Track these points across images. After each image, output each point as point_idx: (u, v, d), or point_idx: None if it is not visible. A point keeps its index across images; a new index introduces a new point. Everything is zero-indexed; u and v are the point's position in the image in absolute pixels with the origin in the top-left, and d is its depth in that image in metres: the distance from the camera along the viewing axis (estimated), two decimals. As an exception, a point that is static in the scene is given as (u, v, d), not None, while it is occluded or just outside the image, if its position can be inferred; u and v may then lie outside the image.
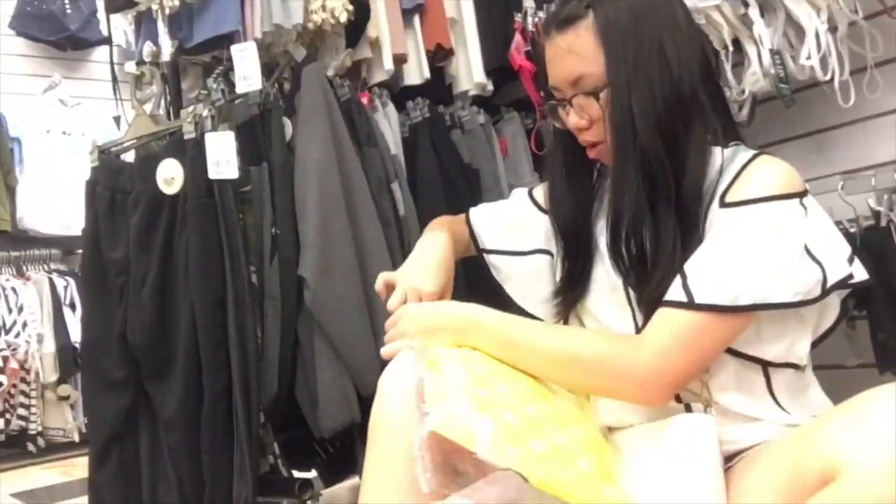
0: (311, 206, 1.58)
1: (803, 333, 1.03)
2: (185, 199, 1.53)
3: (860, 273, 1.01)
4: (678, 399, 1.06)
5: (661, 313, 0.98)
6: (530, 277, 1.25)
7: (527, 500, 0.90)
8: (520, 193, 1.32)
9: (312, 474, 1.80)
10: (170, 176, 1.53)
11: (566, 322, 1.16)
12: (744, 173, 1.02)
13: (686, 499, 0.93)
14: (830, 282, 0.97)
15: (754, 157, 1.04)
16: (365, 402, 1.57)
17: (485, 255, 1.29)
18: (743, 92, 1.72)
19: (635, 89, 1.02)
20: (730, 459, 1.00)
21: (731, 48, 1.66)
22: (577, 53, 1.06)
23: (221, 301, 1.49)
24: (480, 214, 1.33)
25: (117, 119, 2.03)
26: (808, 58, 1.54)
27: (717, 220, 1.00)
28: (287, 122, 1.66)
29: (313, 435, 1.67)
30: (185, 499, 1.53)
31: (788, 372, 1.04)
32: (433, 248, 1.20)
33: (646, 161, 1.02)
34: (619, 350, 0.98)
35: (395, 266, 1.71)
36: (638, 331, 1.06)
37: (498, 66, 2.02)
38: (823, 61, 1.56)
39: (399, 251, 1.73)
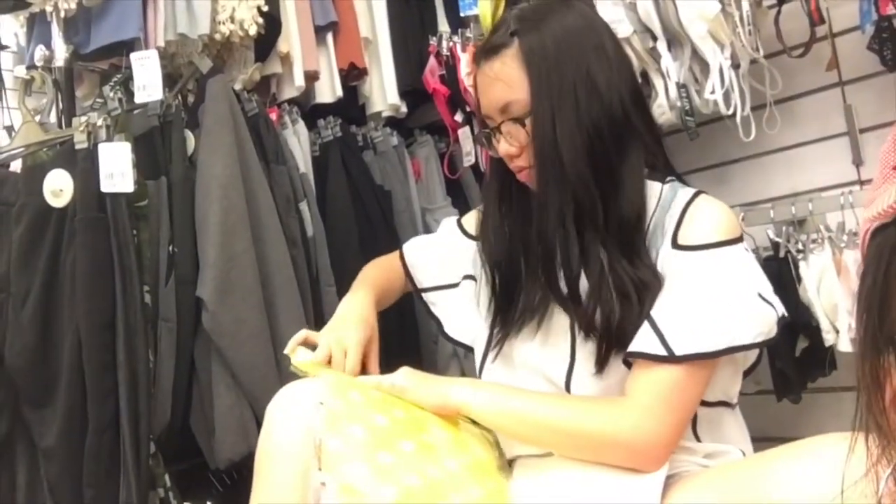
0: (212, 223, 1.51)
1: (735, 372, 1.06)
2: (75, 212, 1.43)
3: (780, 307, 1.04)
4: None
5: (642, 371, 0.98)
6: (462, 308, 1.24)
7: None
8: (448, 224, 1.33)
9: (206, 507, 1.71)
10: (58, 188, 1.43)
11: (500, 350, 1.14)
12: (690, 214, 1.03)
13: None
14: (780, 315, 1.00)
15: (695, 195, 1.05)
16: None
17: (422, 294, 1.31)
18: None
19: (560, 114, 1.03)
20: None
21: (639, 80, 1.69)
22: (503, 81, 1.07)
23: (110, 323, 1.40)
24: (414, 251, 1.33)
25: (9, 129, 1.91)
26: (713, 92, 1.58)
27: (674, 264, 1.01)
28: (189, 135, 1.58)
29: (208, 465, 1.59)
30: (65, 536, 1.41)
31: (716, 410, 1.06)
32: (354, 305, 1.21)
33: (571, 187, 1.03)
34: (608, 422, 0.97)
35: (300, 289, 1.66)
36: (572, 364, 1.06)
37: (412, 89, 1.99)
38: (726, 96, 1.60)
39: (305, 272, 1.67)
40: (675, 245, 1.01)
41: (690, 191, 1.06)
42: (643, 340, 0.98)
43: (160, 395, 1.48)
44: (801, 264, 1.48)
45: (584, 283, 1.05)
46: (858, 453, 0.41)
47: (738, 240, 1.02)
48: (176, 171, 1.54)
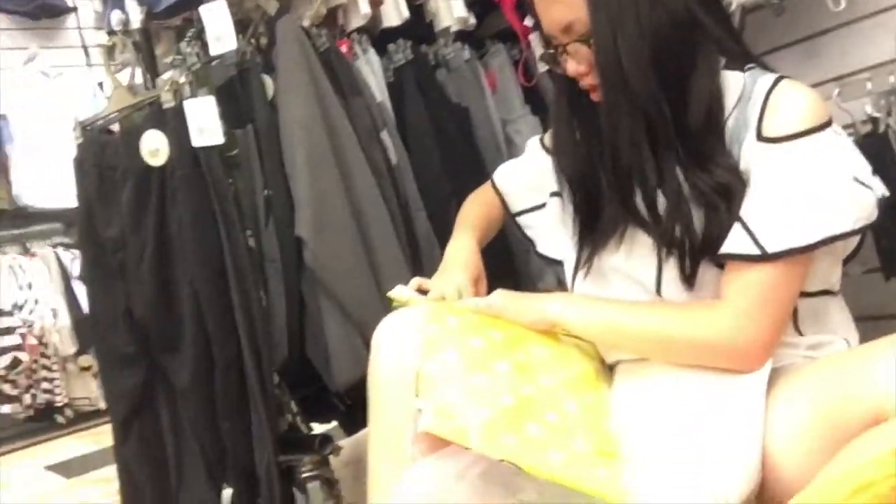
0: (299, 164, 1.56)
1: (835, 261, 1.04)
2: (173, 170, 1.51)
3: (880, 187, 1.00)
4: None
5: (735, 273, 0.98)
6: (551, 225, 1.26)
7: (522, 481, 0.92)
8: (532, 144, 1.34)
9: (333, 425, 1.84)
10: (154, 148, 1.51)
11: (591, 266, 1.15)
12: (773, 102, 0.99)
13: (731, 399, 0.96)
14: (879, 196, 0.98)
15: (776, 81, 1.01)
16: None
17: (516, 218, 1.34)
18: (731, 3, 1.66)
19: (621, 29, 0.99)
20: None
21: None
22: (561, 2, 1.03)
23: (221, 269, 1.49)
24: (504, 178, 1.36)
25: (101, 84, 1.99)
26: (796, -39, 1.49)
27: (761, 158, 0.98)
28: (268, 80, 1.62)
29: (329, 389, 1.70)
30: (210, 467, 1.56)
31: (819, 299, 1.05)
32: (459, 249, 1.26)
33: (640, 106, 1.00)
34: (706, 328, 0.99)
35: (391, 217, 1.71)
36: (660, 271, 1.07)
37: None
38: (812, -36, 1.50)
39: (395, 200, 1.71)
40: (760, 137, 0.98)
41: (771, 77, 1.02)
42: (734, 241, 0.97)
43: (276, 330, 1.57)
44: (904, 138, 1.41)
45: (662, 200, 1.04)
46: None
47: (827, 124, 0.98)
48: (260, 118, 1.59)
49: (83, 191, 1.63)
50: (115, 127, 1.71)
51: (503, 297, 1.10)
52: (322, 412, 1.89)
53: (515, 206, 1.33)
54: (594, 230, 1.14)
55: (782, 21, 1.66)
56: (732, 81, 1.03)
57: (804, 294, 1.02)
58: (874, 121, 1.48)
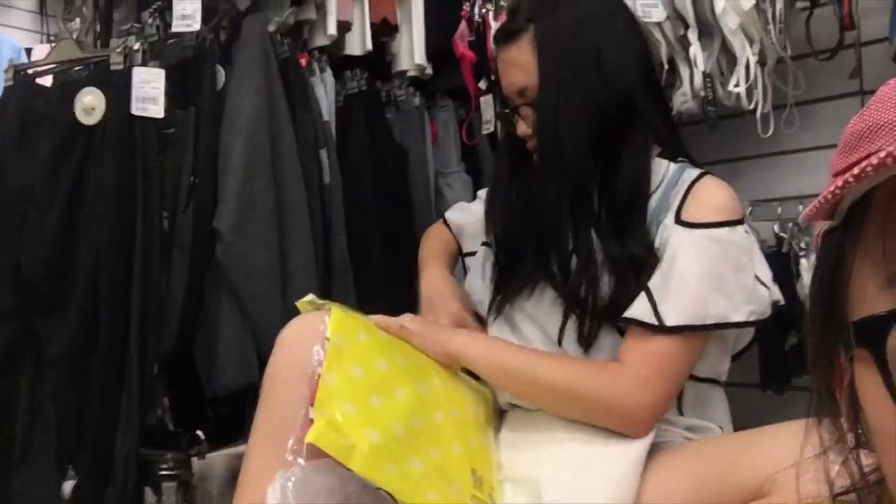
0: (235, 157, 1.54)
1: (724, 352, 1.09)
2: (104, 132, 1.46)
3: (777, 293, 1.07)
4: None
5: (635, 340, 1.02)
6: (477, 271, 1.28)
7: None
8: (481, 194, 1.37)
9: (199, 433, 1.75)
10: (90, 106, 1.46)
11: (502, 311, 1.17)
12: (696, 191, 1.06)
13: (601, 481, 0.96)
14: (774, 299, 1.04)
15: (701, 175, 1.09)
16: (264, 367, 1.54)
17: (464, 258, 1.37)
18: (671, 108, 1.78)
19: (565, 101, 1.06)
20: None
21: (665, 67, 1.72)
22: (518, 67, 1.11)
23: (128, 242, 1.43)
24: (455, 218, 1.39)
25: (28, 51, 1.92)
26: (737, 85, 1.62)
27: (674, 239, 1.03)
28: (221, 71, 1.61)
29: (204, 395, 1.63)
30: (61, 446, 1.45)
31: (703, 387, 1.10)
32: (435, 282, 1.26)
33: (570, 174, 1.06)
34: (602, 387, 1.01)
35: (313, 234, 1.69)
36: (563, 327, 1.10)
37: (439, 51, 2.01)
38: (749, 92, 1.64)
39: (320, 219, 1.70)
40: (678, 221, 1.04)
41: (698, 171, 1.10)
42: (637, 308, 1.02)
43: (168, 318, 1.51)
44: (802, 261, 1.52)
45: (574, 263, 1.09)
46: (813, 439, 0.44)
47: (740, 221, 1.05)
48: (205, 104, 1.57)
49: (0, 134, 1.55)
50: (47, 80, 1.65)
51: (414, 323, 1.11)
52: (189, 418, 1.80)
53: (465, 247, 1.36)
54: (510, 282, 1.17)
55: (713, 139, 1.79)
56: (661, 167, 1.10)
57: (693, 378, 1.07)
58: (780, 241, 1.60)
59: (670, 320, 0.98)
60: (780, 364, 1.62)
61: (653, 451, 1.05)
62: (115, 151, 1.44)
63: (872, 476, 0.40)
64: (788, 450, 0.85)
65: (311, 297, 1.15)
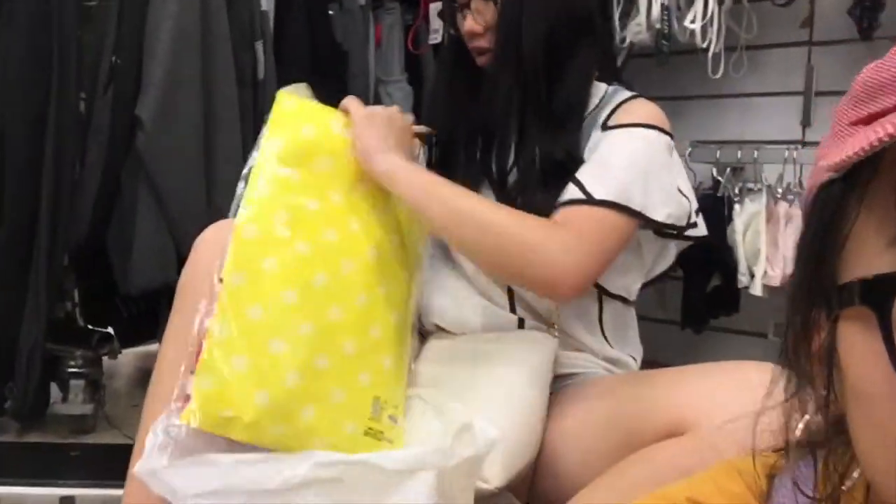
0: (163, 41, 1.42)
1: (639, 271, 1.09)
2: (17, -3, 1.32)
3: (702, 228, 1.06)
4: (512, 310, 1.08)
5: (562, 215, 0.97)
6: None
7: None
8: None
9: (109, 331, 1.68)
10: (2, -36, 1.31)
11: None
12: (625, 106, 1.04)
13: (512, 408, 0.95)
14: (692, 219, 1.02)
15: (635, 96, 1.07)
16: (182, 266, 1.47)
17: None
18: (623, 40, 1.74)
19: (528, 2, 1.01)
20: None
21: (626, -6, 1.67)
22: None
23: (40, 119, 1.31)
24: None
25: None
26: (693, 21, 1.59)
27: (599, 141, 1.01)
28: (152, -57, 1.47)
29: (117, 290, 1.55)
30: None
31: (618, 304, 1.09)
32: None
33: (524, 71, 1.02)
34: (538, 232, 0.94)
35: (242, 130, 1.60)
36: None
37: (390, -50, 1.90)
38: (703, 30, 1.61)
39: (251, 115, 1.61)
40: (604, 128, 1.02)
41: (631, 93, 1.07)
42: (566, 193, 0.98)
43: (81, 206, 1.42)
44: (736, 207, 1.54)
45: (513, 173, 1.06)
46: (779, 388, 0.43)
47: (668, 133, 1.03)
48: (132, -22, 1.44)
49: None
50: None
51: (362, 128, 0.99)
52: (101, 313, 1.72)
53: None
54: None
55: (661, 74, 1.76)
56: (599, 90, 1.08)
57: (607, 294, 1.06)
58: (716, 184, 1.61)
59: (598, 194, 0.96)
60: (701, 304, 1.65)
61: (574, 381, 1.05)
62: (28, 17, 1.31)
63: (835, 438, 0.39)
64: (707, 391, 0.86)
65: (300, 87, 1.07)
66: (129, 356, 1.83)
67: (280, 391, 0.86)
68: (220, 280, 0.89)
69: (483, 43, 1.07)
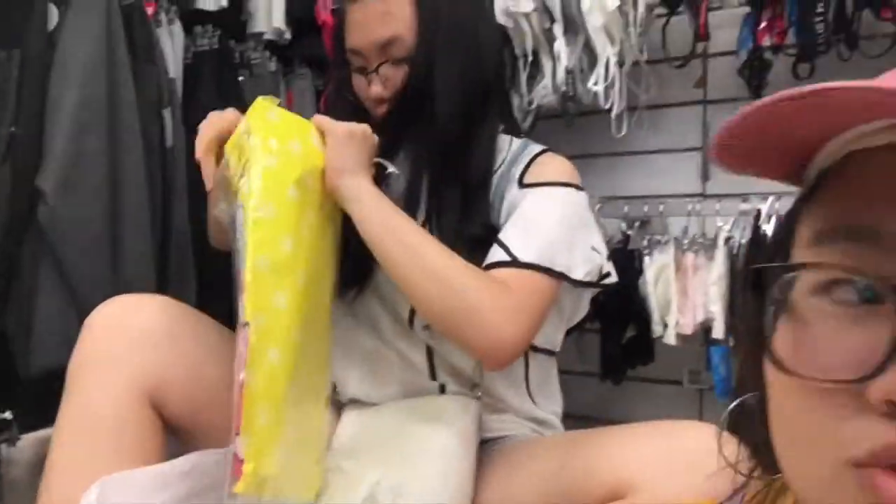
0: (66, 110, 1.38)
1: (560, 322, 1.10)
2: None
3: (614, 275, 1.09)
4: (433, 377, 1.07)
5: (494, 277, 0.97)
6: None
7: None
8: None
9: (7, 416, 1.57)
10: None
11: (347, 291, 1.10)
12: (539, 161, 1.06)
13: (436, 477, 0.93)
14: (605, 270, 1.04)
15: (543, 150, 1.09)
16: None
17: None
18: (531, 103, 1.80)
19: (441, 64, 1.02)
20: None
21: (530, 58, 1.73)
22: (390, 17, 1.02)
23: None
24: None
25: None
26: (596, 83, 1.65)
27: (519, 199, 1.02)
28: (53, 10, 1.43)
29: (17, 372, 1.46)
30: None
31: (543, 358, 1.10)
32: None
33: (439, 139, 1.02)
34: (479, 287, 0.93)
35: (150, 200, 1.55)
36: (413, 312, 1.04)
37: (300, 17, 1.91)
38: (606, 91, 1.68)
39: (159, 184, 1.57)
40: (521, 185, 1.04)
41: (539, 146, 1.10)
42: (491, 255, 0.98)
43: (-25, 285, 1.34)
44: (646, 259, 1.59)
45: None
46: (726, 453, 0.43)
47: (580, 189, 1.05)
48: (32, 47, 1.39)
49: None
50: None
51: (339, 143, 0.96)
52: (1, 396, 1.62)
53: None
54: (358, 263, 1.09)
55: (568, 133, 1.82)
56: (505, 143, 1.09)
57: (533, 348, 1.06)
58: (626, 238, 1.66)
59: (523, 257, 0.96)
60: (618, 354, 1.68)
61: (499, 445, 1.04)
62: (-82, 90, 1.24)
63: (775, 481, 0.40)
64: (647, 453, 0.85)
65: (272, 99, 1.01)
66: (27, 440, 1.72)
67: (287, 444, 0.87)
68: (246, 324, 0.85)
69: (385, 108, 1.05)
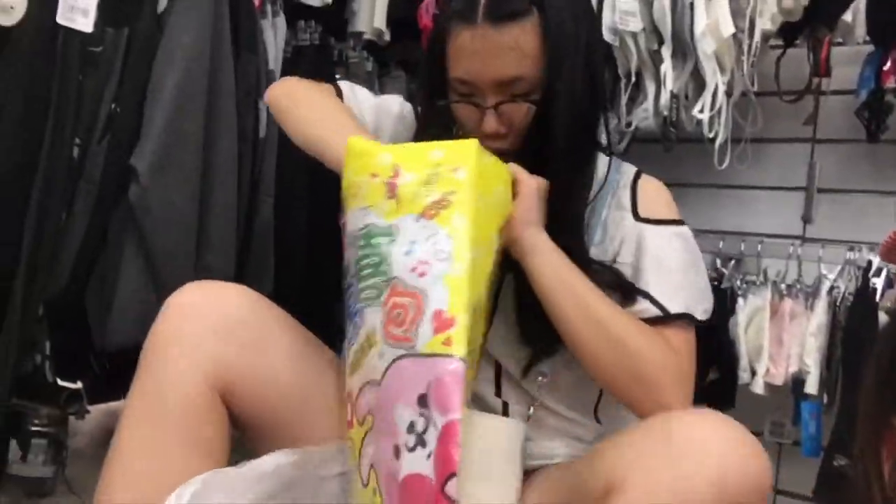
0: (167, 92, 1.38)
1: None
2: (21, 37, 1.27)
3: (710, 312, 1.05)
4: (498, 394, 1.04)
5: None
6: None
7: None
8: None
9: (78, 386, 1.60)
10: (9, 4, 1.27)
11: None
12: (643, 189, 1.04)
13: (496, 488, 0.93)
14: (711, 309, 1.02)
15: (639, 173, 1.07)
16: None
17: None
18: (629, 125, 1.74)
19: (565, 97, 0.96)
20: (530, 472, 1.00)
21: (633, 79, 1.68)
22: (517, 52, 0.94)
23: (31, 163, 1.26)
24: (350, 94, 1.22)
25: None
26: (702, 111, 1.58)
27: (638, 235, 1.00)
28: (165, -6, 1.45)
29: (91, 344, 1.47)
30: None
31: None
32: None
33: (571, 172, 1.01)
34: (655, 348, 0.92)
35: (239, 187, 1.55)
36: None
37: (401, 20, 1.90)
38: (711, 120, 1.61)
39: (248, 174, 1.57)
40: (637, 217, 1.02)
41: (634, 167, 1.08)
42: (641, 310, 0.97)
43: (63, 257, 1.35)
44: (739, 300, 1.51)
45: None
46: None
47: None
48: (141, 27, 1.40)
49: None
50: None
51: (528, 194, 0.95)
52: (72, 367, 1.64)
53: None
54: None
55: (662, 160, 1.75)
56: (599, 162, 1.06)
57: None
58: (720, 276, 1.58)
59: (673, 308, 0.96)
60: (697, 397, 1.60)
61: (545, 467, 1.02)
62: (30, 59, 1.27)
63: None
64: (644, 444, 0.82)
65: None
66: (94, 412, 1.74)
67: None
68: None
69: (503, 144, 0.99)
